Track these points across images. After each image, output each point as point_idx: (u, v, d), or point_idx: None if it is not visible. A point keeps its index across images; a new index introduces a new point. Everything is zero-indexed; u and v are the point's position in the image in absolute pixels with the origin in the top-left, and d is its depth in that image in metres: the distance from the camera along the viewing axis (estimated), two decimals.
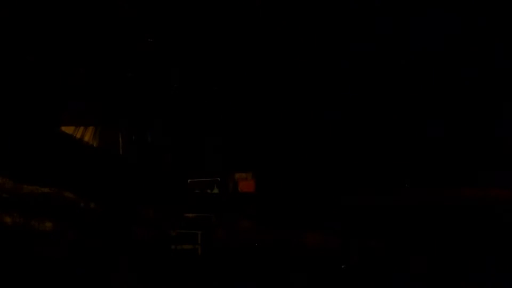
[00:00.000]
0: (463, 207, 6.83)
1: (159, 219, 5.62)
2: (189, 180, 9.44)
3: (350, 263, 5.16)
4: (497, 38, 8.60)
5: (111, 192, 6.86)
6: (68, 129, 9.65)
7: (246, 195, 9.49)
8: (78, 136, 10.01)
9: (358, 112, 9.70)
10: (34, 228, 5.00)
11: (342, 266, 4.98)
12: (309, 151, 10.04)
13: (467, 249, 5.45)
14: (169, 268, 5.00)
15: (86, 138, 10.58)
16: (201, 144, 10.13)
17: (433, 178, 8.16)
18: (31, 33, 8.50)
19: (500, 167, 8.20)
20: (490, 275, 4.55)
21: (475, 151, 8.52)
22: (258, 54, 10.39)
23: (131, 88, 9.38)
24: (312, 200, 7.94)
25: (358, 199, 7.46)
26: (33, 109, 8.34)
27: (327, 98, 10.58)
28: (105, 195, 6.49)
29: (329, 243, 5.97)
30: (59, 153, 7.03)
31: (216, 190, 8.95)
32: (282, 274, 4.86)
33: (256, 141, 10.57)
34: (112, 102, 9.67)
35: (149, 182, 8.70)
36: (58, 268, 4.55)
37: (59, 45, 8.87)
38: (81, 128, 10.24)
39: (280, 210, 8.64)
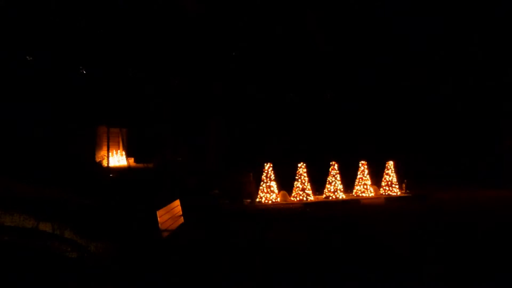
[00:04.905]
0: None
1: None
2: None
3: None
4: None
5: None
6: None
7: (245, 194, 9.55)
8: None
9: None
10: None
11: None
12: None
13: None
14: (171, 264, 5.09)
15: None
16: (202, 145, 10.18)
17: None
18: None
19: None
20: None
21: None
22: (256, 55, 10.45)
23: (132, 89, 9.44)
24: None
25: None
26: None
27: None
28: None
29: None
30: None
31: (216, 190, 8.98)
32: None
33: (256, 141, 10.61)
34: (115, 104, 9.73)
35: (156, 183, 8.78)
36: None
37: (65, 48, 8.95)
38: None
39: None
